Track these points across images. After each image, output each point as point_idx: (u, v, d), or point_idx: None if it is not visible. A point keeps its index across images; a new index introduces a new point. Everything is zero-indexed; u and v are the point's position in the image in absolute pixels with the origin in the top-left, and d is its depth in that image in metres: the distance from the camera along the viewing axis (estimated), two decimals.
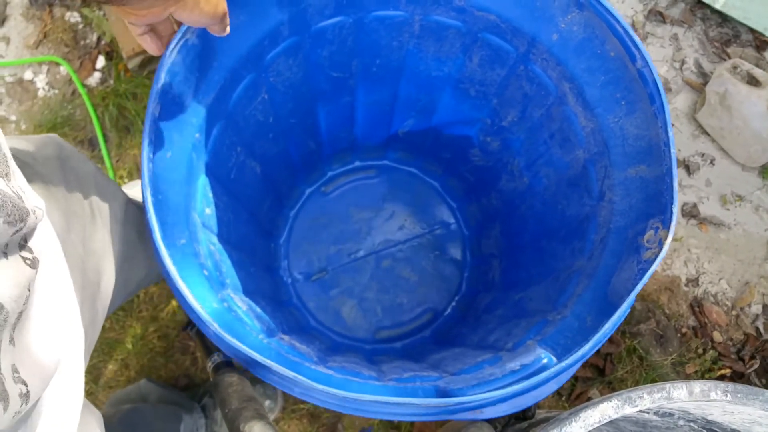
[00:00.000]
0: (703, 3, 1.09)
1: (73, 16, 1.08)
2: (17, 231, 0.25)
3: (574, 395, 0.94)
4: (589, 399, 0.93)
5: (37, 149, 0.47)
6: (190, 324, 0.77)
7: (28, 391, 0.27)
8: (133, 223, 0.58)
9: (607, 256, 0.54)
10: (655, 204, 0.51)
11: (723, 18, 1.11)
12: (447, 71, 0.68)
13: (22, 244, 0.28)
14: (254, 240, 0.76)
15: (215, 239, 0.59)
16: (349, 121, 0.79)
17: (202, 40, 0.51)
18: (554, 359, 0.50)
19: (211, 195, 0.59)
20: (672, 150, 0.50)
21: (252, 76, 0.58)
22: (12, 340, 0.26)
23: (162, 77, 0.48)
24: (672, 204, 0.49)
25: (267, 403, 0.88)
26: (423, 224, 0.90)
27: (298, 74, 0.64)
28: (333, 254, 0.87)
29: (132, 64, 0.99)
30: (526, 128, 0.68)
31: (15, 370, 0.26)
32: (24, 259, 0.27)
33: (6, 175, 0.26)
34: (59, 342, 0.33)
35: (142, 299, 0.96)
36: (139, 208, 0.62)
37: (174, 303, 0.95)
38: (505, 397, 0.47)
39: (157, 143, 0.50)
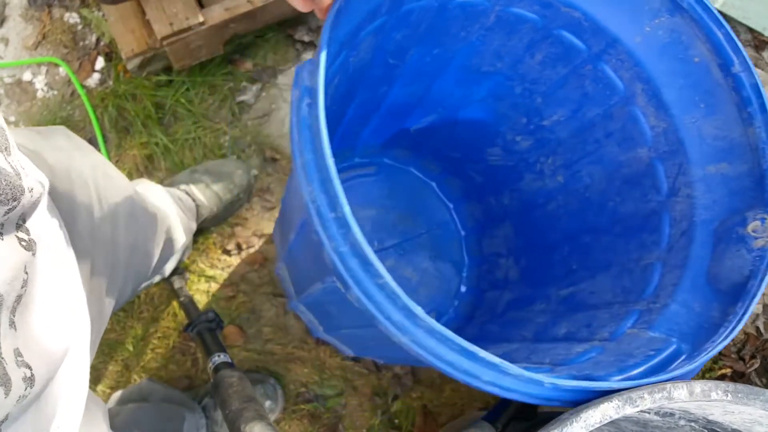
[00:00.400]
0: None
1: (72, 17, 1.08)
2: (10, 210, 0.25)
3: None
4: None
5: (46, 138, 0.47)
6: (190, 325, 0.77)
7: (32, 375, 0.27)
8: (140, 216, 0.58)
9: (696, 248, 0.55)
10: (744, 197, 0.53)
11: (722, 17, 1.11)
12: (499, 67, 0.68)
13: (20, 224, 0.27)
14: None
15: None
16: (373, 112, 0.79)
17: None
18: (681, 345, 0.51)
19: None
20: None
21: (344, 53, 0.57)
22: (12, 324, 0.26)
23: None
24: None
25: (267, 403, 0.88)
26: (422, 224, 0.90)
27: (366, 57, 0.64)
28: None
29: (131, 65, 0.99)
30: (573, 127, 0.68)
31: (18, 354, 0.26)
32: (20, 240, 0.27)
33: (6, 149, 0.26)
34: (66, 328, 0.32)
35: (142, 300, 0.96)
36: (145, 204, 0.62)
37: (174, 304, 0.95)
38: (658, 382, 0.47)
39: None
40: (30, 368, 0.26)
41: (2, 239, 0.25)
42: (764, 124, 0.52)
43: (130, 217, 0.55)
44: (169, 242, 0.73)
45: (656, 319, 0.55)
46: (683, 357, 0.49)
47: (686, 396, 0.41)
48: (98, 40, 1.07)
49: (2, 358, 0.24)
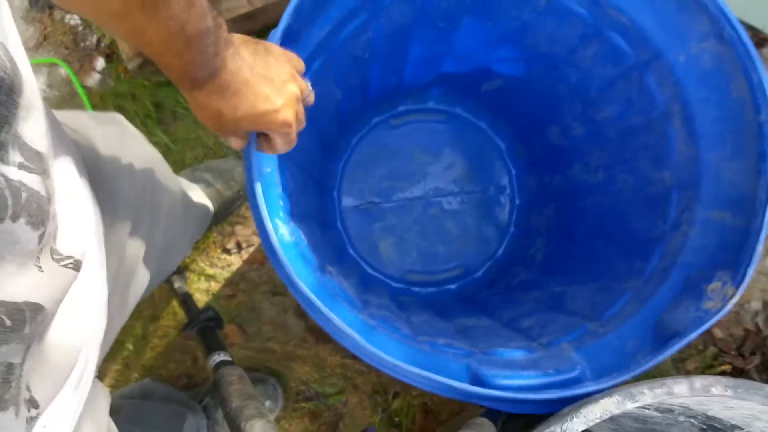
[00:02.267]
0: None
1: (73, 19, 1.08)
2: (42, 235, 0.24)
3: None
4: None
5: (101, 124, 0.47)
6: (190, 323, 0.77)
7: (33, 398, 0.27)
8: (180, 213, 0.58)
9: (665, 288, 0.55)
10: (728, 254, 0.51)
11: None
12: (555, 51, 0.67)
13: (54, 248, 0.27)
14: (316, 159, 0.77)
15: (291, 163, 0.60)
16: (437, 66, 0.79)
17: None
18: (588, 373, 0.51)
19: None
20: (767, 212, 0.49)
21: (365, 16, 0.59)
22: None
23: (290, 13, 0.48)
24: (749, 265, 0.48)
25: (267, 403, 0.88)
26: (478, 182, 0.90)
27: (406, 19, 0.64)
28: (384, 189, 0.89)
29: (131, 66, 0.99)
30: (619, 129, 0.68)
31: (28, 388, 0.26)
32: (65, 265, 0.27)
33: (44, 172, 0.25)
34: (77, 344, 0.32)
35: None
36: (186, 199, 0.62)
37: (174, 302, 0.95)
38: (537, 401, 0.48)
39: None
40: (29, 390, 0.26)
41: (43, 270, 0.25)
42: (767, 184, 0.50)
43: (171, 215, 0.55)
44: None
45: (588, 343, 0.55)
46: (575, 385, 0.49)
47: (686, 391, 0.41)
48: (99, 41, 1.07)
49: (22, 377, 0.24)
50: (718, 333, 0.97)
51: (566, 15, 0.61)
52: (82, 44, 1.07)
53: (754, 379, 0.95)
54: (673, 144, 0.59)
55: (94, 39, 1.07)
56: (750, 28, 1.10)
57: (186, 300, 0.87)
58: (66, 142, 0.37)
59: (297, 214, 0.59)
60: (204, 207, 0.75)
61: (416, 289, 0.87)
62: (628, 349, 0.53)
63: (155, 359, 0.94)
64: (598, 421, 0.40)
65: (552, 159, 0.84)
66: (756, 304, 1.00)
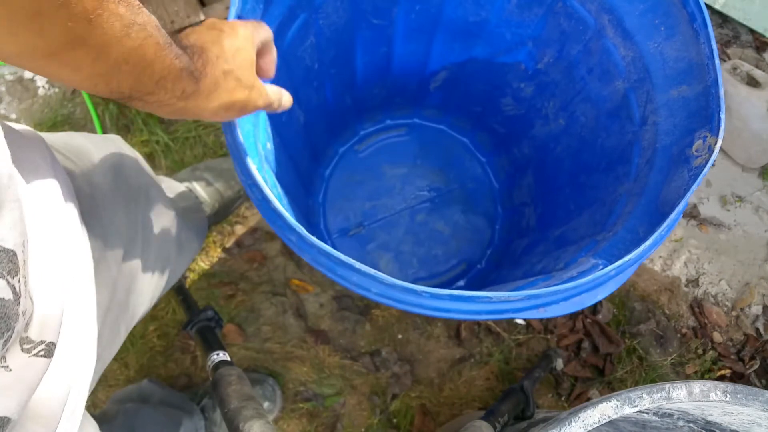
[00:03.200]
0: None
1: None
2: (6, 341, 0.24)
3: (573, 395, 0.94)
4: (588, 399, 0.93)
5: (98, 151, 0.46)
6: (189, 323, 0.77)
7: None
8: (173, 239, 0.57)
9: (654, 174, 0.56)
10: (699, 118, 0.53)
11: (723, 19, 1.11)
12: (484, 15, 0.70)
13: (24, 337, 0.26)
14: (297, 192, 0.78)
15: (273, 177, 0.61)
16: (385, 71, 0.82)
17: None
18: (609, 264, 0.51)
19: (269, 131, 0.61)
20: (716, 62, 0.51)
21: (304, 16, 0.60)
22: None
23: (237, 3, 0.48)
24: (719, 111, 0.50)
25: (266, 405, 0.88)
26: (454, 179, 0.93)
27: (344, 18, 0.66)
28: (368, 210, 0.91)
29: None
30: (562, 68, 0.70)
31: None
32: (37, 353, 0.26)
33: (10, 272, 0.25)
34: (64, 395, 0.32)
35: None
36: (183, 217, 0.61)
37: (174, 302, 0.95)
38: (567, 295, 0.47)
39: None
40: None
41: (10, 369, 0.24)
42: (707, 39, 0.52)
43: (166, 241, 0.54)
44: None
45: (603, 246, 0.56)
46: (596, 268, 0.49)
47: (685, 396, 0.41)
48: None
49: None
50: (718, 337, 0.97)
51: None
52: None
53: (754, 384, 0.95)
54: (614, 53, 0.61)
55: None
56: (751, 32, 1.10)
57: (185, 299, 0.86)
58: (58, 172, 0.37)
59: None
60: (199, 220, 0.74)
61: None
62: (642, 236, 0.54)
63: (154, 358, 0.94)
64: (596, 425, 0.40)
65: (514, 131, 0.86)
66: (756, 309, 1.00)
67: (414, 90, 0.87)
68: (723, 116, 0.50)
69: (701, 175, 0.49)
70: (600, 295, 0.50)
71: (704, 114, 0.53)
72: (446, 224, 0.91)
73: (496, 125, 0.88)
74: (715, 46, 0.52)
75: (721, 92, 0.51)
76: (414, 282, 0.85)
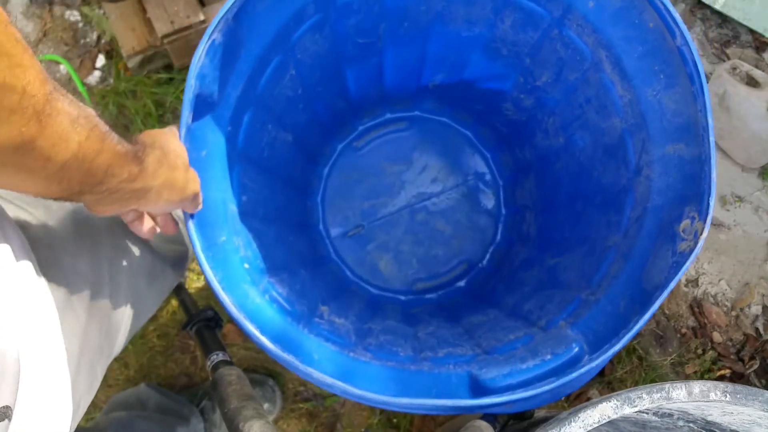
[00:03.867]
0: (703, 3, 1.09)
1: (73, 15, 1.08)
2: None
3: (573, 395, 0.94)
4: (588, 399, 0.93)
5: (53, 205, 0.46)
6: (189, 323, 0.77)
7: None
8: (144, 272, 0.57)
9: (643, 237, 0.55)
10: (693, 187, 0.51)
11: (723, 18, 1.11)
12: (478, 32, 0.68)
13: None
14: (292, 203, 0.77)
15: (255, 222, 0.60)
16: (378, 78, 0.80)
17: (228, 36, 0.51)
18: (585, 348, 0.51)
19: (247, 180, 0.60)
20: (711, 137, 0.49)
21: (279, 58, 0.59)
22: None
23: (193, 84, 0.48)
24: (709, 195, 0.49)
25: (266, 405, 0.88)
26: (456, 175, 0.90)
27: (325, 46, 0.64)
28: (367, 209, 0.88)
29: (132, 63, 0.99)
30: (562, 89, 0.68)
31: None
32: None
33: None
34: None
35: None
36: (157, 248, 0.61)
37: (174, 302, 0.95)
38: (537, 394, 0.48)
39: (192, 146, 0.50)
40: None
41: None
42: (704, 107, 0.50)
43: (135, 275, 0.54)
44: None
45: (584, 314, 0.54)
46: (575, 365, 0.49)
47: (685, 396, 0.41)
48: (99, 38, 1.07)
49: None
50: (718, 337, 0.97)
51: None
52: (82, 41, 1.07)
53: (753, 384, 0.95)
54: (612, 90, 0.60)
55: (95, 36, 1.07)
56: (751, 32, 1.10)
57: (185, 299, 0.86)
58: (8, 231, 0.36)
59: (272, 268, 0.58)
60: (176, 251, 0.72)
61: (428, 296, 0.87)
62: (622, 311, 0.53)
63: (154, 358, 0.94)
64: (596, 425, 0.40)
65: (516, 133, 0.84)
66: (756, 309, 1.00)
67: (413, 89, 0.85)
68: (713, 202, 0.48)
69: (685, 265, 0.47)
70: (568, 391, 0.50)
71: (696, 186, 0.51)
72: (447, 223, 0.89)
73: (499, 124, 0.87)
74: (710, 119, 0.49)
75: (714, 174, 0.49)
76: (413, 283, 0.86)
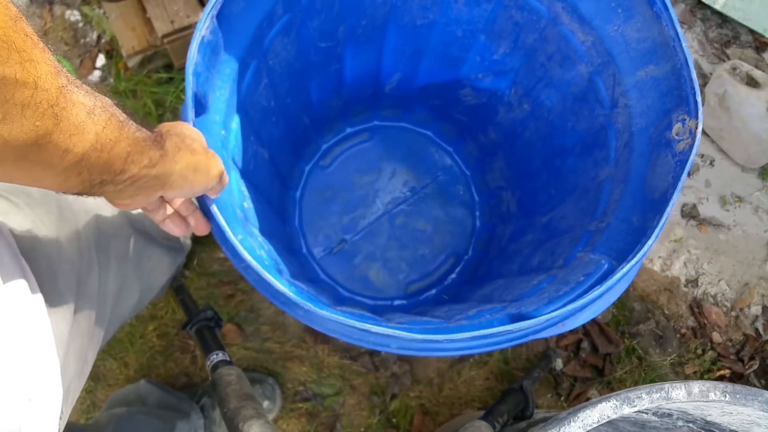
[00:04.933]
0: (704, 4, 1.09)
1: (73, 15, 1.08)
2: None
3: (573, 395, 0.94)
4: (588, 399, 0.93)
5: (35, 193, 0.45)
6: (189, 323, 0.77)
7: None
8: (131, 256, 0.56)
9: (635, 158, 0.56)
10: (673, 98, 0.52)
11: (723, 19, 1.11)
12: (432, 18, 0.69)
13: None
14: (276, 226, 0.78)
15: (257, 232, 0.60)
16: (338, 87, 0.81)
17: (215, 35, 0.51)
18: (614, 262, 0.51)
19: (243, 189, 0.61)
20: (683, 44, 0.51)
21: (255, 63, 0.59)
22: None
23: (191, 80, 0.48)
24: (695, 94, 0.49)
25: (266, 404, 0.88)
26: (425, 175, 0.92)
27: (292, 52, 0.66)
28: (347, 224, 0.89)
29: (132, 63, 0.99)
30: (520, 56, 0.70)
31: None
32: None
33: None
34: (18, 415, 0.31)
35: None
36: (140, 233, 0.61)
37: (173, 302, 0.95)
38: (583, 306, 0.48)
39: None
40: None
41: None
42: (670, 21, 0.51)
43: (122, 260, 0.54)
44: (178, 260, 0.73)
45: (599, 239, 0.55)
46: (608, 276, 0.49)
47: (684, 396, 0.41)
48: (99, 38, 1.06)
49: None
50: (717, 337, 0.97)
51: None
52: (82, 40, 1.07)
53: (753, 384, 0.95)
54: (573, 39, 0.61)
55: (95, 35, 1.07)
56: (751, 32, 1.10)
57: (185, 299, 0.86)
58: None
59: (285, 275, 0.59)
60: (171, 239, 0.72)
61: (425, 295, 0.87)
62: (636, 225, 0.53)
63: (154, 358, 0.94)
64: (596, 425, 0.40)
65: (477, 119, 0.85)
66: (755, 309, 1.00)
67: (370, 95, 0.86)
68: (699, 98, 0.49)
69: (689, 160, 0.48)
70: (612, 298, 0.50)
71: (677, 94, 0.52)
72: (427, 221, 0.90)
73: (458, 115, 0.87)
74: (679, 28, 0.51)
75: (693, 74, 0.50)
76: (407, 286, 0.86)
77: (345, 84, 0.81)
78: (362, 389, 0.93)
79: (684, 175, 0.48)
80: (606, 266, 0.50)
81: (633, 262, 0.46)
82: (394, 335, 0.44)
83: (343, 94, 0.83)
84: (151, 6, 0.92)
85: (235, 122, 0.59)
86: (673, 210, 1.02)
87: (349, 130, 0.92)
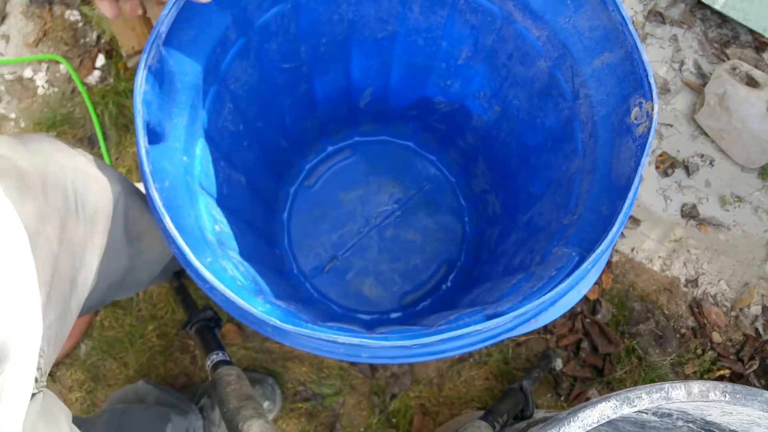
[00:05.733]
0: (703, 4, 1.09)
1: (73, 15, 1.08)
2: None
3: (572, 395, 0.94)
4: (587, 399, 0.93)
5: (24, 143, 0.47)
6: (189, 323, 0.77)
7: None
8: (121, 215, 0.57)
9: (600, 147, 0.56)
10: (629, 83, 0.53)
11: (723, 19, 1.11)
12: (391, 29, 0.69)
13: None
14: (261, 249, 0.77)
15: (235, 254, 0.60)
16: (311, 106, 0.81)
17: (163, 63, 0.51)
18: (585, 254, 0.51)
19: (215, 213, 0.60)
20: (630, 28, 0.51)
21: (214, 88, 0.59)
22: None
23: (140, 109, 0.48)
24: (647, 76, 0.50)
25: (266, 404, 0.88)
26: (411, 185, 0.92)
27: (254, 75, 0.65)
28: (336, 241, 0.89)
29: (132, 63, 0.99)
30: (482, 58, 0.70)
31: None
32: None
33: None
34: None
35: (141, 298, 0.96)
36: (139, 196, 0.61)
37: (173, 302, 0.95)
38: (553, 300, 0.47)
39: (155, 175, 0.50)
40: None
41: None
42: (615, 6, 0.52)
43: (112, 217, 0.54)
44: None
45: (572, 232, 0.55)
46: (577, 268, 0.49)
47: (684, 396, 0.41)
48: (99, 38, 1.06)
49: None
50: (717, 337, 0.97)
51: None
52: (82, 40, 1.07)
53: (753, 384, 0.95)
54: (528, 35, 0.61)
55: (94, 35, 1.07)
56: (751, 32, 1.10)
57: (185, 299, 0.86)
58: None
59: (268, 294, 0.58)
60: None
61: (419, 307, 0.87)
62: (606, 214, 0.53)
63: (154, 358, 0.94)
64: (595, 425, 0.40)
65: (453, 125, 0.86)
66: (755, 309, 1.00)
67: (345, 112, 0.86)
68: (652, 80, 0.49)
69: (647, 143, 0.49)
70: (583, 290, 0.50)
71: (632, 78, 0.52)
72: (416, 232, 0.90)
73: (435, 123, 0.88)
74: (625, 12, 0.51)
75: (644, 56, 0.50)
76: (402, 298, 0.86)
77: (318, 103, 0.81)
78: (362, 389, 0.93)
79: (644, 159, 0.49)
80: (577, 259, 0.51)
81: (598, 251, 0.46)
82: (362, 344, 0.44)
83: (318, 114, 0.83)
84: (150, 6, 0.92)
85: (200, 148, 0.58)
86: (673, 210, 1.02)
87: (330, 148, 0.92)
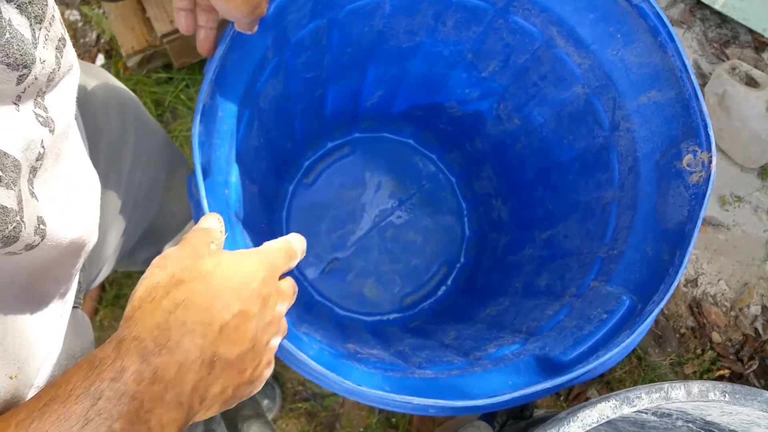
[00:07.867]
0: (703, 4, 1.09)
1: (73, 15, 1.08)
2: (21, 76, 0.24)
3: (572, 395, 0.94)
4: (587, 399, 0.93)
5: (86, 72, 0.49)
6: None
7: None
8: (163, 159, 0.60)
9: (643, 184, 0.55)
10: (680, 126, 0.52)
11: (722, 19, 1.11)
12: (419, 40, 0.68)
13: (38, 101, 0.27)
14: None
15: None
16: (320, 110, 0.80)
17: (214, 99, 0.51)
18: (634, 297, 0.50)
19: (248, 240, 0.60)
20: (691, 74, 0.50)
21: (249, 110, 0.59)
22: (33, 194, 0.26)
23: (197, 153, 0.47)
24: (706, 127, 0.49)
25: (265, 402, 0.88)
26: (411, 184, 0.91)
27: (279, 89, 0.65)
28: (336, 241, 0.88)
29: (131, 63, 0.99)
30: (511, 74, 0.69)
31: (41, 222, 0.26)
32: (36, 115, 0.26)
33: (41, 20, 0.25)
34: (80, 217, 0.33)
35: None
36: (173, 151, 0.65)
37: None
38: (621, 354, 0.47)
39: (207, 185, 0.50)
40: (43, 238, 0.27)
41: (18, 110, 0.25)
42: (677, 52, 0.51)
43: (151, 160, 0.57)
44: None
45: (614, 269, 0.54)
46: (634, 316, 0.48)
47: (684, 396, 0.41)
48: (99, 38, 1.06)
49: (23, 221, 0.24)
50: (717, 337, 0.97)
51: (415, 5, 0.62)
52: (81, 40, 1.07)
53: (753, 384, 0.95)
54: (568, 61, 0.60)
55: (94, 35, 1.07)
56: (750, 32, 1.10)
57: None
58: None
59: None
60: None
61: (418, 308, 0.86)
62: (651, 255, 0.52)
63: None
64: (595, 425, 0.40)
65: (463, 129, 0.84)
66: (755, 309, 1.00)
67: (350, 111, 0.85)
68: (711, 131, 0.49)
69: (706, 196, 0.48)
70: (638, 339, 0.49)
71: (685, 122, 0.51)
72: (417, 232, 0.89)
73: (442, 125, 0.86)
74: (686, 59, 0.51)
75: (704, 107, 0.50)
76: (402, 299, 0.85)
77: (327, 106, 0.80)
78: None
79: (703, 211, 0.48)
80: (628, 303, 0.50)
81: (662, 305, 0.46)
82: (436, 405, 0.43)
83: (325, 116, 0.82)
84: (150, 6, 0.92)
85: (234, 175, 0.58)
86: None
87: (329, 144, 0.90)
